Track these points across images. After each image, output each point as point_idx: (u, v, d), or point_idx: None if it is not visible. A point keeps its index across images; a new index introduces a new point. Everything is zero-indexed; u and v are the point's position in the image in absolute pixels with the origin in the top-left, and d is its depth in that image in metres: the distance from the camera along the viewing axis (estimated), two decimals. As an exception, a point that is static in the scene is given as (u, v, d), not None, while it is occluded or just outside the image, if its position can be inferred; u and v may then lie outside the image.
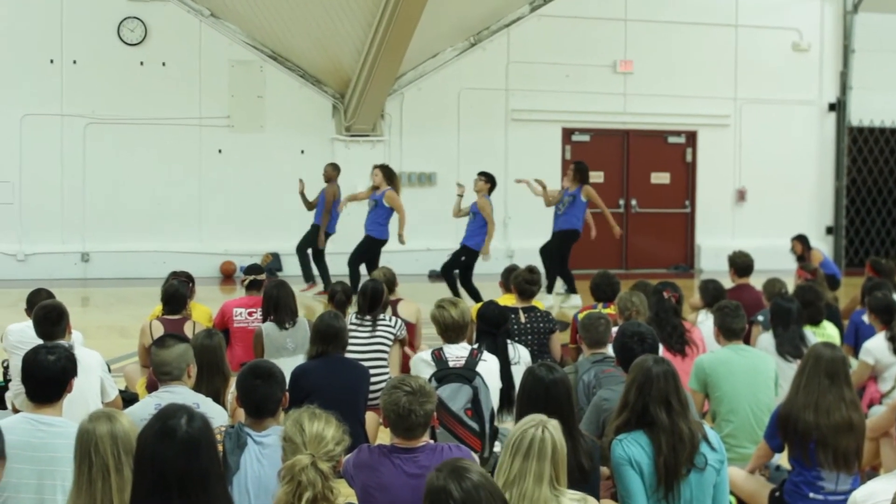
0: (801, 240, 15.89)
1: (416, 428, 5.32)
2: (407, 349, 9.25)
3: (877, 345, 8.94)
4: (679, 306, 9.15)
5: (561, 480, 4.69)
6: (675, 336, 8.76)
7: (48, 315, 7.51)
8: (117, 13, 18.72)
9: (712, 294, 10.04)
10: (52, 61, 18.51)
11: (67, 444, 5.21)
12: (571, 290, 15.84)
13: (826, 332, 9.39)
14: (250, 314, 9.86)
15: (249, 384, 5.58)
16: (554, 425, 4.71)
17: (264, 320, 9.18)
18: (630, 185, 21.59)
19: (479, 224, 15.21)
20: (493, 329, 8.00)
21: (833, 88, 22.39)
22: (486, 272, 15.32)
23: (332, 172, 16.76)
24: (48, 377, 5.57)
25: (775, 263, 16.60)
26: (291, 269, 17.81)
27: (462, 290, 14.85)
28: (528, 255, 16.53)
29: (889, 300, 9.43)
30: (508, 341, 8.17)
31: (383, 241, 15.73)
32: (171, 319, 9.08)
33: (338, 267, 16.35)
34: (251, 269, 10.64)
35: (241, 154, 19.28)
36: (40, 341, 7.02)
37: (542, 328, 9.41)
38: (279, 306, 9.03)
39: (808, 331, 9.02)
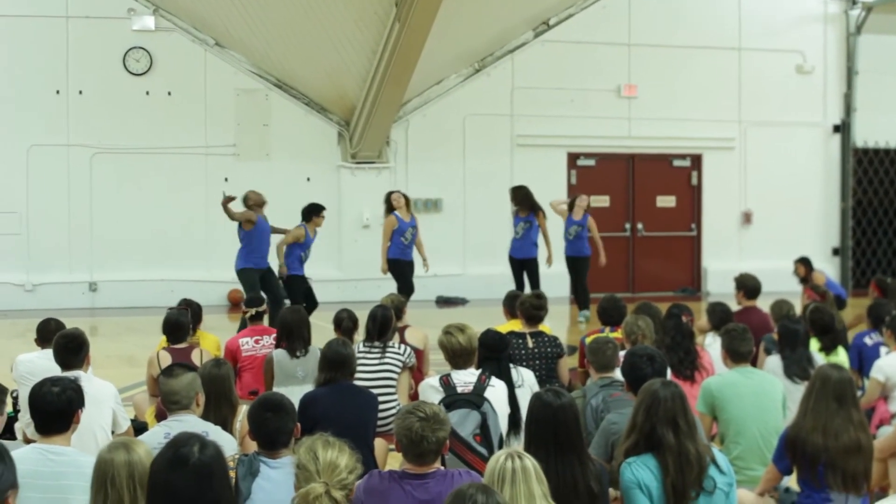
0: (804, 262, 15.90)
1: (427, 454, 5.30)
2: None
3: (889, 363, 8.93)
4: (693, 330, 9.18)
5: (549, 498, 4.73)
6: (686, 361, 8.78)
7: (68, 344, 7.47)
8: (123, 43, 18.81)
9: (720, 317, 10.05)
10: (58, 92, 18.59)
11: (76, 473, 5.27)
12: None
13: (839, 360, 9.36)
14: (256, 342, 9.85)
15: (261, 417, 5.58)
16: (524, 454, 4.76)
17: (277, 346, 9.17)
18: (636, 209, 21.60)
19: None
20: (496, 354, 7.97)
21: (837, 110, 22.40)
22: (492, 297, 15.30)
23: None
24: (54, 410, 5.59)
25: (782, 285, 16.60)
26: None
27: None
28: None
29: None
30: (511, 365, 8.16)
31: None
32: (179, 349, 9.08)
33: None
34: (252, 302, 10.51)
35: (247, 182, 19.06)
36: (50, 372, 7.03)
37: (549, 353, 9.40)
38: (293, 334, 9.02)
39: (819, 355, 9.02)
